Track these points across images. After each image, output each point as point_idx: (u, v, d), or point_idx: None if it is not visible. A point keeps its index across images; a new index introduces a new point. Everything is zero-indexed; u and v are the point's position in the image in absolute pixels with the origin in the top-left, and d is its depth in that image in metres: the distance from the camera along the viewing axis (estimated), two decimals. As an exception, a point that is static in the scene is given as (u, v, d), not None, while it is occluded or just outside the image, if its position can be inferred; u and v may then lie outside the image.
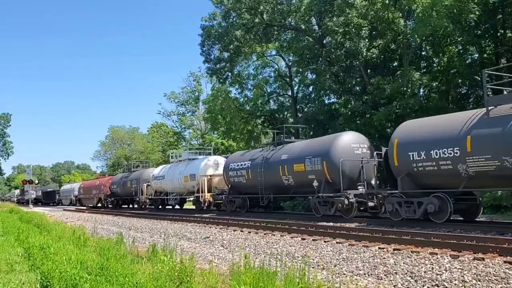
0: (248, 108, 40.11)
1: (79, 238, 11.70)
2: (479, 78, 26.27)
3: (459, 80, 26.96)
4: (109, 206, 40.91)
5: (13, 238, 14.26)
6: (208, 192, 24.87)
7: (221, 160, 26.68)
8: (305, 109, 34.82)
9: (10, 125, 73.53)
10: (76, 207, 49.26)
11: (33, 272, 8.24)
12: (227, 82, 37.75)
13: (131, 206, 39.34)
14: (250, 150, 26.16)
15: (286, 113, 39.57)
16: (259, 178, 20.66)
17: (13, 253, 10.92)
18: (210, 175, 25.63)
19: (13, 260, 9.90)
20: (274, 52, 39.25)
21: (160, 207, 32.33)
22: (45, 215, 26.06)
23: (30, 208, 44.73)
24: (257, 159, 21.25)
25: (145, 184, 32.83)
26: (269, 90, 40.50)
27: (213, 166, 26.42)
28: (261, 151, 21.88)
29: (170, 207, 31.80)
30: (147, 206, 33.42)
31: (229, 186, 23.43)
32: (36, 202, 69.96)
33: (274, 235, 13.20)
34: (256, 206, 22.31)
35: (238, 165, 22.64)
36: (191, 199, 28.85)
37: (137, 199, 34.17)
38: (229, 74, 36.44)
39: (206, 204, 25.03)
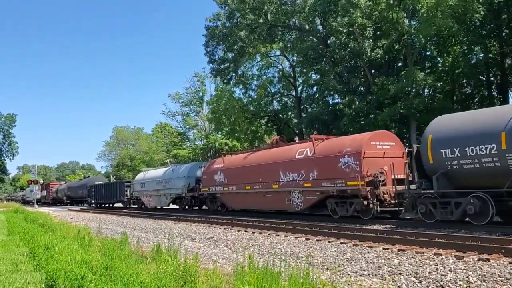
0: (252, 108, 40.05)
1: (84, 238, 11.75)
2: (484, 78, 26.25)
3: (464, 80, 26.88)
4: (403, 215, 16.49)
5: (18, 238, 14.34)
6: None
7: None
8: (309, 110, 34.78)
9: (15, 126, 73.64)
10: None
11: (38, 272, 8.28)
12: (231, 82, 37.81)
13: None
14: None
15: (290, 113, 39.50)
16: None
17: (18, 253, 11.00)
18: None
19: (18, 259, 9.97)
20: (278, 53, 39.20)
21: None
22: (49, 215, 26.21)
23: (35, 208, 44.97)
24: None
25: None
26: (273, 91, 40.45)
27: None
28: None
29: None
30: None
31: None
32: (71, 202, 53.92)
33: (278, 235, 13.20)
34: None
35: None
36: None
37: None
38: (233, 74, 36.48)
39: None
